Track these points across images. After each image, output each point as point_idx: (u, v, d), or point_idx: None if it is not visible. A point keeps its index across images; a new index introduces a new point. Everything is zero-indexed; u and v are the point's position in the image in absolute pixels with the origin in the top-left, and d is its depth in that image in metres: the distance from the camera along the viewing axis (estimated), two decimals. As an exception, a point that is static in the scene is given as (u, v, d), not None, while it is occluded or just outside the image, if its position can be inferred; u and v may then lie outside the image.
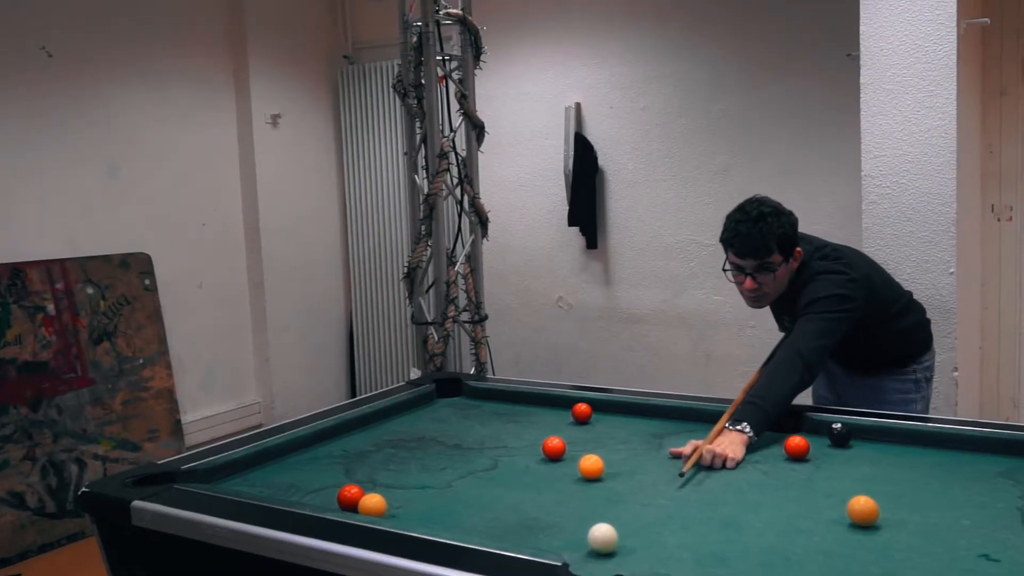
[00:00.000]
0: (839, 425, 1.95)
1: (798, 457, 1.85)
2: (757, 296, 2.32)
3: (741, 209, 2.33)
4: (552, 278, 4.81)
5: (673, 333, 4.49)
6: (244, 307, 4.96)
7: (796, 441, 1.86)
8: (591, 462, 1.76)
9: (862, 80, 3.18)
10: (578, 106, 4.64)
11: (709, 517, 1.56)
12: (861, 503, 1.48)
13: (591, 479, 1.76)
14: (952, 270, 3.08)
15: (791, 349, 2.18)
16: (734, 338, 4.32)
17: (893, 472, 1.77)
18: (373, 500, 1.60)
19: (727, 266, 2.34)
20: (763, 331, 4.21)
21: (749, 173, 4.19)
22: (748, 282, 2.28)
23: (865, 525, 1.48)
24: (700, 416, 2.16)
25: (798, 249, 2.33)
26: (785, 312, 2.43)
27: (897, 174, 3.15)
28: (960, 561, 1.35)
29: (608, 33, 4.52)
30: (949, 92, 3.06)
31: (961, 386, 3.15)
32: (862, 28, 3.16)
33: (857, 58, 3.19)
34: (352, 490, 1.64)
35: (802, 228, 4.26)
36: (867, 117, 3.19)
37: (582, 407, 2.19)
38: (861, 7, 3.15)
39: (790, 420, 2.06)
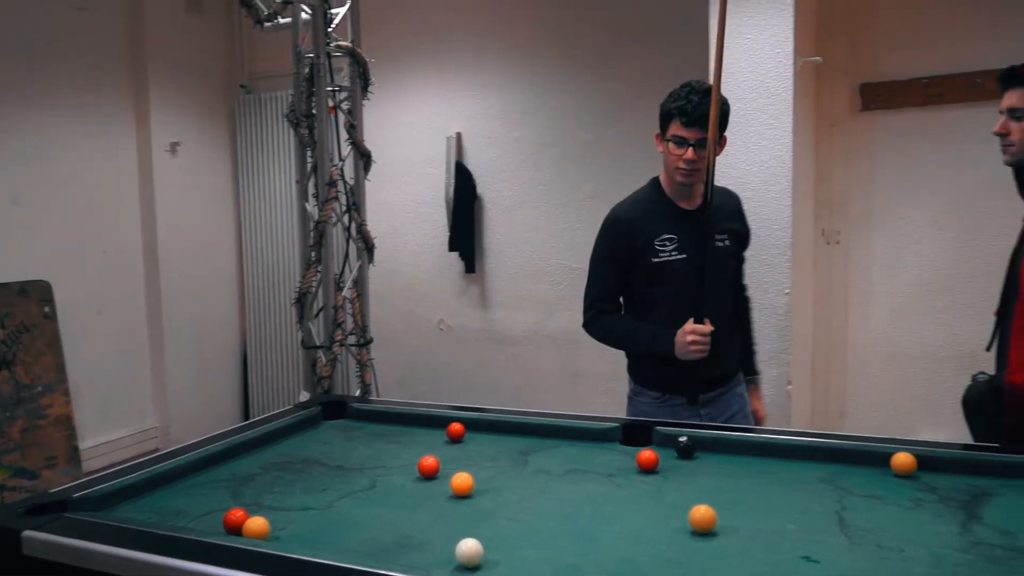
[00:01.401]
0: (685, 438, 2.02)
1: (648, 469, 1.91)
2: (692, 171, 2.26)
3: (686, 85, 2.28)
4: (434, 302, 4.82)
5: (544, 353, 4.56)
6: (142, 333, 4.76)
7: (647, 455, 1.92)
8: (461, 480, 1.77)
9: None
10: (459, 136, 4.68)
11: (567, 530, 1.59)
12: (700, 512, 1.54)
13: (462, 496, 1.77)
14: (788, 291, 3.27)
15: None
16: (599, 356, 4.40)
17: (731, 481, 1.85)
18: (257, 523, 1.56)
19: (668, 137, 2.28)
20: (627, 348, 4.34)
21: (611, 200, 4.28)
22: (690, 152, 2.23)
23: (704, 532, 1.54)
24: (564, 433, 2.20)
25: (725, 136, 2.35)
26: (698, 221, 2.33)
27: (743, 200, 3.31)
28: (784, 563, 1.43)
29: (486, 67, 4.59)
30: (786, 124, 3.24)
31: (795, 398, 3.33)
32: (711, 65, 3.31)
33: (708, 89, 3.34)
34: (237, 514, 1.60)
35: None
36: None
37: (455, 426, 2.20)
38: (711, 45, 3.30)
39: (642, 434, 2.12)
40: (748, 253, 3.29)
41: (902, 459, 1.81)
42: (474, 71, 4.63)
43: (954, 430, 2.23)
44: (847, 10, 3.74)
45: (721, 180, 3.28)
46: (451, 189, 4.65)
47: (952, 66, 3.54)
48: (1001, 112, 2.03)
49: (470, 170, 4.66)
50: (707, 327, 2.23)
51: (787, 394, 3.28)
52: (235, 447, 2.10)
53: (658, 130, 2.35)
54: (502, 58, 4.55)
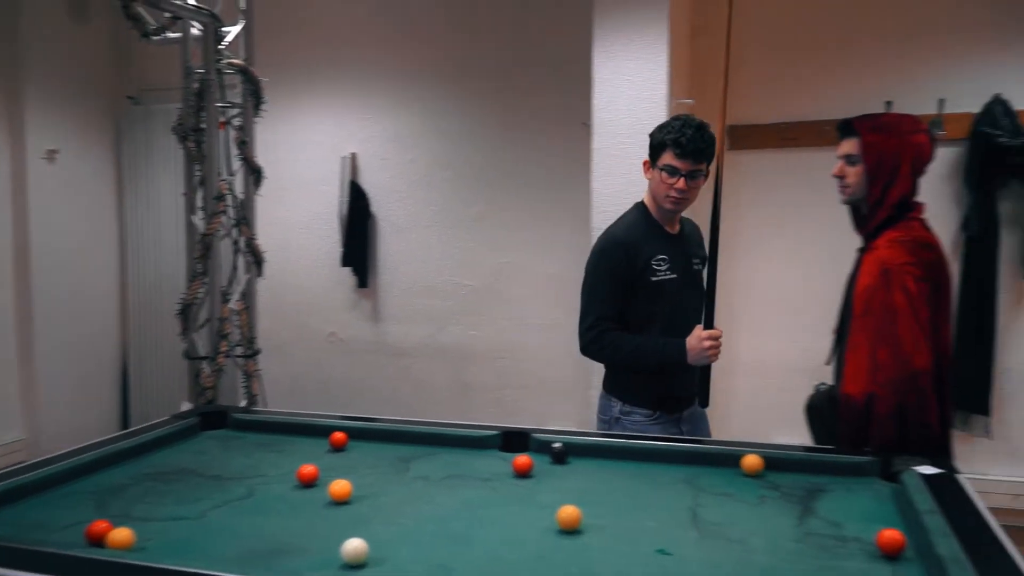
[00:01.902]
0: (559, 444, 2.08)
1: (523, 474, 1.95)
2: (682, 199, 2.32)
3: (678, 118, 2.32)
4: (326, 315, 4.75)
5: (434, 365, 4.57)
6: (9, 342, 4.46)
7: (522, 460, 1.96)
8: (339, 486, 1.76)
9: (593, 146, 3.45)
10: (353, 156, 4.65)
11: (442, 532, 1.61)
12: (566, 512, 1.59)
13: (340, 503, 1.76)
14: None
15: None
16: (488, 369, 4.48)
17: (599, 484, 1.91)
18: (121, 534, 1.50)
19: (660, 166, 2.31)
20: (512, 363, 4.41)
21: (500, 221, 4.40)
22: (681, 182, 2.28)
23: (570, 531, 1.59)
24: (446, 440, 2.22)
25: (709, 168, 2.37)
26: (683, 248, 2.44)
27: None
28: (642, 556, 1.49)
29: (381, 90, 4.59)
30: (660, 160, 3.37)
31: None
32: (594, 102, 3.44)
33: (589, 127, 3.47)
34: (100, 525, 1.53)
35: (541, 271, 4.51)
36: (596, 178, 3.46)
37: (338, 435, 2.18)
38: (594, 84, 3.43)
39: (520, 441, 2.16)
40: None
41: (750, 460, 1.92)
42: (369, 94, 4.62)
43: (802, 434, 2.38)
44: (716, 61, 3.95)
45: (607, 210, 3.42)
46: (345, 207, 4.61)
47: (805, 114, 3.82)
48: (839, 157, 2.21)
49: (364, 189, 4.63)
50: (719, 331, 2.28)
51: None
52: (105, 458, 2.01)
53: (647, 157, 2.39)
54: (396, 82, 4.56)
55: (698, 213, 2.57)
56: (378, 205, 4.64)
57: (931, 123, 3.61)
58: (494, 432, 2.20)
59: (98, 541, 1.50)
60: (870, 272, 2.08)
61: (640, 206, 2.46)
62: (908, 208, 2.14)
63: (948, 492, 1.70)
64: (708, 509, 1.72)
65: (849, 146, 2.18)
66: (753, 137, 3.85)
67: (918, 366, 2.02)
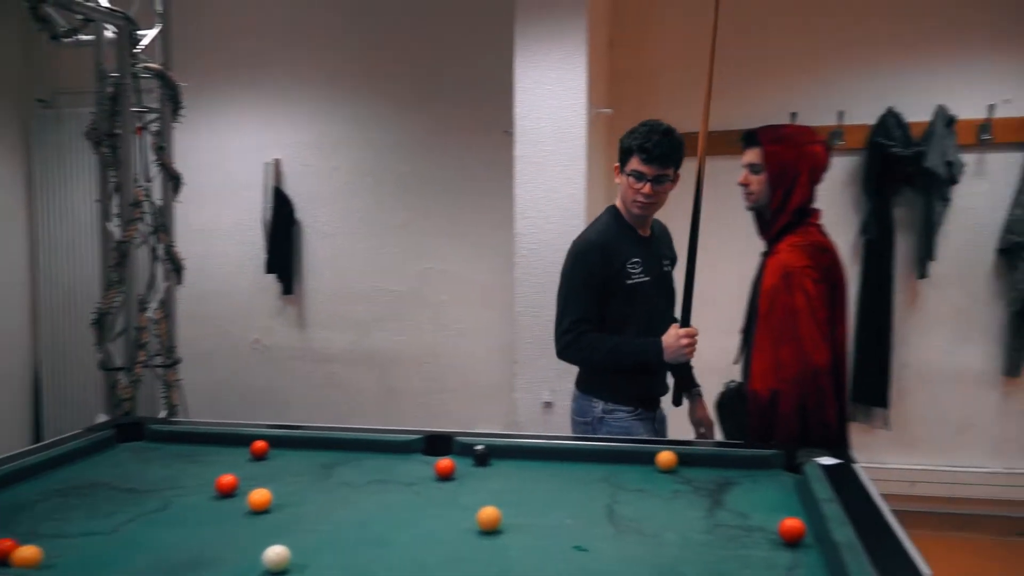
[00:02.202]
0: (481, 447, 2.08)
1: (446, 477, 1.95)
2: (650, 204, 2.33)
3: (646, 124, 2.32)
4: (249, 322, 4.64)
5: (360, 371, 4.52)
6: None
7: (444, 463, 1.96)
8: (259, 495, 1.72)
9: (515, 153, 3.48)
10: (277, 162, 4.56)
11: (363, 537, 1.59)
12: (486, 513, 1.60)
13: (260, 512, 1.72)
14: (581, 313, 3.43)
15: None
16: (414, 373, 4.46)
17: (520, 484, 1.93)
18: (27, 552, 1.44)
19: (628, 171, 2.33)
20: (438, 367, 4.40)
21: (425, 228, 4.39)
22: (648, 187, 2.29)
23: (490, 531, 1.60)
24: (370, 446, 2.20)
25: (679, 173, 2.37)
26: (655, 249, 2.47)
27: (542, 233, 3.47)
28: (559, 553, 1.51)
29: (304, 97, 4.53)
30: (580, 167, 3.44)
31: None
32: (516, 110, 3.47)
33: (512, 135, 3.49)
34: (4, 543, 1.46)
35: (466, 276, 4.52)
36: (519, 184, 3.49)
37: (259, 444, 2.13)
38: (515, 93, 3.46)
39: (443, 444, 2.16)
40: (549, 279, 3.46)
41: (665, 456, 1.96)
42: (292, 100, 4.55)
43: (716, 430, 2.45)
44: (634, 69, 4.05)
45: (530, 216, 3.46)
46: (269, 213, 4.53)
47: (719, 124, 3.90)
48: (743, 166, 2.29)
49: (288, 196, 4.55)
50: (695, 330, 2.30)
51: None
52: (12, 474, 1.91)
53: (617, 163, 2.39)
54: (320, 88, 4.50)
55: (670, 215, 2.58)
56: (302, 211, 4.56)
57: (831, 134, 3.77)
58: (417, 436, 2.19)
59: (2, 560, 1.43)
60: (773, 275, 2.16)
61: (612, 210, 2.46)
62: (807, 214, 2.24)
63: (846, 481, 1.78)
64: (624, 505, 1.75)
65: (753, 155, 2.27)
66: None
67: (818, 363, 2.11)
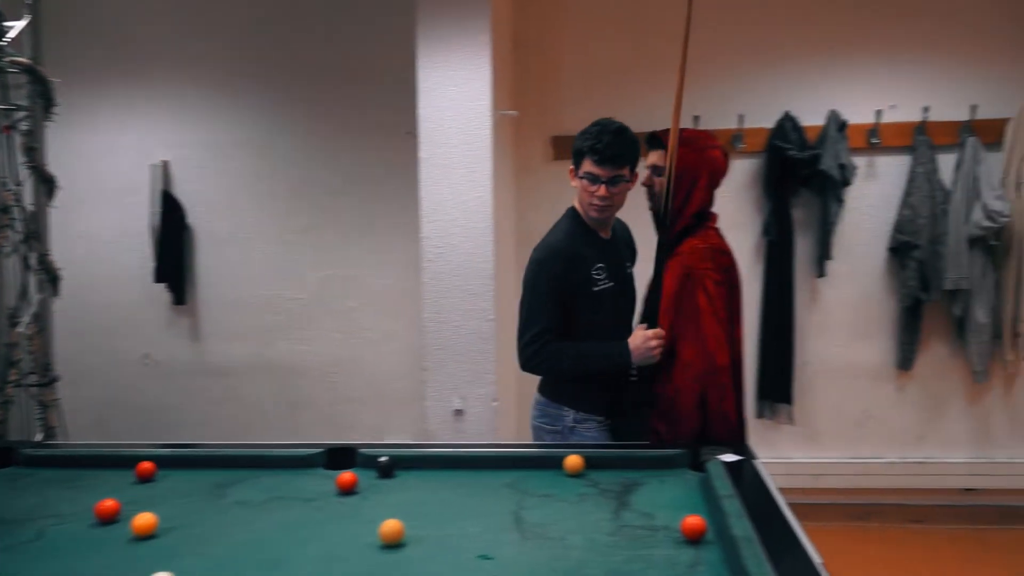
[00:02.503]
0: (385, 458, 2.06)
1: (347, 491, 1.92)
2: (606, 206, 2.29)
3: (597, 123, 2.27)
4: (138, 335, 4.46)
5: (261, 384, 4.41)
6: None
7: (345, 477, 1.93)
8: (143, 520, 1.65)
9: (420, 155, 3.47)
10: (165, 164, 4.41)
11: (258, 559, 1.55)
12: (388, 526, 1.59)
13: (144, 537, 1.65)
14: (491, 317, 3.46)
15: None
16: (319, 384, 4.38)
17: (425, 495, 1.92)
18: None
19: (581, 174, 2.29)
20: (344, 377, 4.34)
21: (328, 233, 4.32)
22: (603, 189, 2.25)
23: (393, 545, 1.59)
24: (267, 462, 2.14)
25: (636, 172, 2.34)
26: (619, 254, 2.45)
27: (449, 236, 3.47)
28: (463, 563, 1.51)
29: (196, 96, 4.39)
30: (486, 169, 3.45)
31: (501, 414, 3.53)
32: (419, 111, 3.46)
33: (416, 136, 3.48)
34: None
35: (372, 282, 4.47)
36: (424, 187, 3.48)
37: (145, 465, 2.05)
38: (418, 93, 3.45)
39: (346, 457, 2.13)
40: (456, 283, 3.49)
41: (572, 460, 2.00)
42: (182, 97, 4.39)
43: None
44: (538, 73, 4.10)
45: (436, 220, 3.45)
46: (157, 218, 4.35)
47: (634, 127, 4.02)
48: (647, 168, 2.35)
49: (179, 200, 4.39)
50: (662, 331, 2.25)
51: (494, 410, 3.47)
52: None
53: (572, 165, 2.35)
54: (213, 86, 4.36)
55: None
56: (195, 216, 4.41)
57: (732, 137, 3.92)
58: (318, 450, 2.16)
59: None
60: (675, 276, 2.23)
61: (572, 212, 2.41)
62: (705, 217, 2.32)
63: (746, 477, 1.86)
64: (530, 511, 1.77)
65: (656, 157, 2.33)
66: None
67: (720, 362, 2.19)
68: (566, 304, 2.31)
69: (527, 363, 2.35)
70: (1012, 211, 3.67)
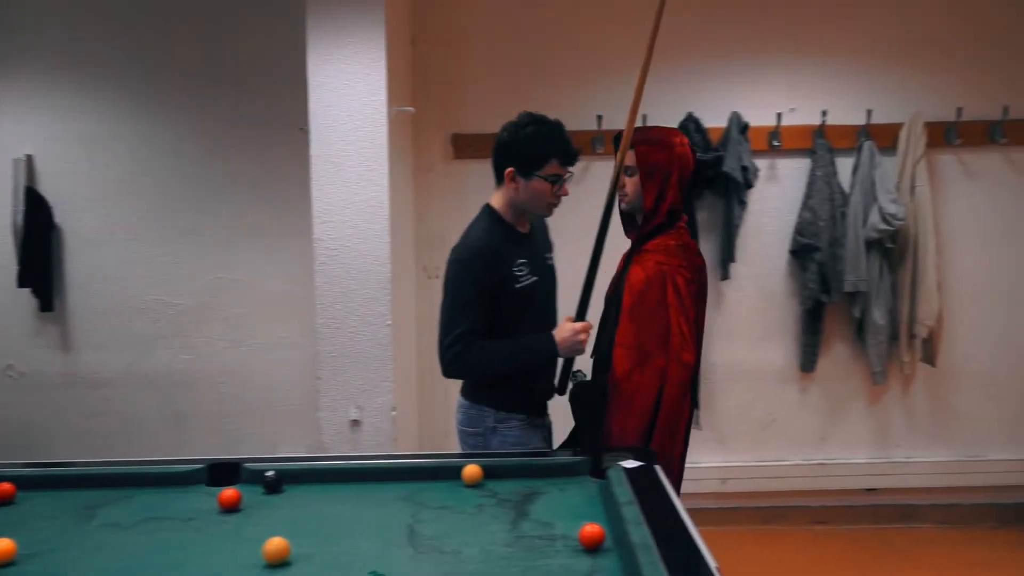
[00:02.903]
0: (271, 473, 2.03)
1: (230, 508, 1.88)
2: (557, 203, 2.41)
3: (546, 124, 2.34)
4: (0, 346, 4.22)
5: (141, 396, 4.25)
6: None
7: (227, 494, 1.89)
8: (-1, 547, 1.58)
9: (312, 153, 3.42)
10: (29, 159, 4.20)
11: (128, 583, 1.51)
12: (272, 545, 1.57)
13: (1, 565, 1.58)
14: (389, 322, 3.44)
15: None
16: (205, 395, 4.25)
17: (314, 510, 1.90)
18: None
19: (545, 175, 2.34)
20: (234, 387, 4.23)
21: (214, 233, 4.21)
22: (566, 187, 2.38)
23: (277, 564, 1.57)
24: (143, 480, 2.08)
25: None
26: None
27: (343, 238, 3.43)
28: (353, 581, 1.51)
29: (66, 84, 4.20)
30: (382, 168, 3.43)
31: (400, 423, 3.51)
32: (311, 106, 3.41)
33: (308, 132, 3.43)
34: None
35: (262, 286, 4.37)
36: (317, 186, 3.43)
37: (2, 486, 1.95)
38: (310, 87, 3.40)
39: (229, 473, 2.08)
40: (351, 287, 3.45)
41: (469, 470, 2.01)
42: (48, 88, 4.18)
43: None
44: (438, 68, 4.11)
45: (329, 220, 3.40)
46: (20, 217, 4.14)
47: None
48: (625, 169, 2.39)
49: (45, 197, 4.18)
50: (589, 324, 2.34)
51: (392, 420, 3.45)
52: None
53: (512, 169, 2.36)
54: (85, 75, 4.17)
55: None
56: (63, 216, 4.21)
57: (637, 137, 4.03)
58: (198, 466, 2.11)
59: None
60: (645, 272, 2.29)
61: (490, 210, 2.44)
62: (677, 216, 2.39)
63: (646, 483, 1.91)
64: (425, 524, 1.78)
65: (630, 158, 2.37)
66: (476, 146, 4.04)
67: (686, 360, 2.26)
68: (490, 303, 2.34)
69: (450, 367, 2.35)
70: (906, 214, 3.91)
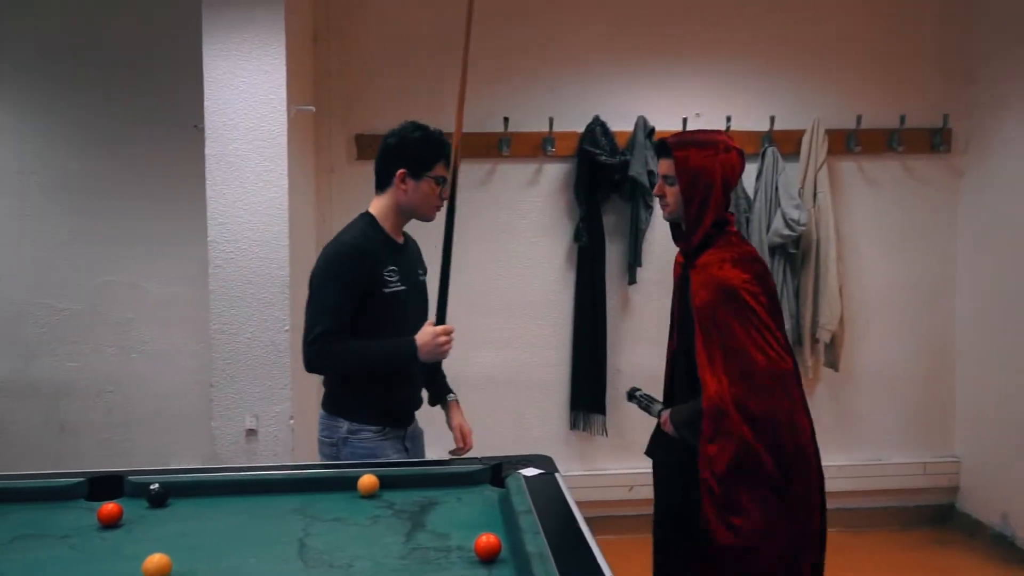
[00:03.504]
0: (156, 486, 1.99)
1: (110, 524, 1.84)
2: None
3: (424, 129, 2.47)
4: None
5: (21, 406, 4.10)
6: None
7: (107, 509, 1.85)
8: None
9: (207, 151, 3.36)
10: None
11: (-7, 609, 1.46)
12: (152, 562, 1.54)
13: None
14: (287, 328, 3.40)
15: None
16: (91, 405, 4.12)
17: (201, 525, 1.87)
18: None
19: (432, 177, 2.43)
20: (123, 396, 4.11)
21: (104, 235, 4.09)
22: (447, 189, 2.44)
23: (158, 582, 1.54)
24: (13, 496, 2.01)
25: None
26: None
27: (239, 240, 3.38)
28: (237, 598, 1.50)
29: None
30: (281, 168, 3.40)
31: (299, 432, 3.48)
32: (206, 103, 3.35)
33: (203, 130, 3.36)
34: None
35: (155, 290, 4.27)
36: (212, 186, 3.37)
37: None
38: (205, 83, 3.34)
39: (112, 486, 2.03)
40: (248, 291, 3.41)
41: (365, 481, 2.02)
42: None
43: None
44: (342, 66, 4.08)
45: (225, 222, 3.35)
46: None
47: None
48: (660, 177, 2.41)
49: (-85, 192, 3.98)
50: (451, 327, 2.38)
51: (291, 429, 3.41)
52: None
53: (404, 170, 2.42)
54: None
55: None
56: (-69, 213, 4.01)
57: (543, 140, 4.09)
58: (78, 480, 2.05)
59: None
60: (708, 291, 2.25)
61: (367, 216, 2.48)
62: (724, 224, 2.34)
63: (545, 491, 1.95)
64: (317, 537, 1.78)
65: (666, 166, 2.36)
66: (376, 147, 4.02)
67: (785, 368, 2.25)
68: (356, 304, 2.37)
69: (310, 363, 2.40)
70: (809, 220, 4.09)
